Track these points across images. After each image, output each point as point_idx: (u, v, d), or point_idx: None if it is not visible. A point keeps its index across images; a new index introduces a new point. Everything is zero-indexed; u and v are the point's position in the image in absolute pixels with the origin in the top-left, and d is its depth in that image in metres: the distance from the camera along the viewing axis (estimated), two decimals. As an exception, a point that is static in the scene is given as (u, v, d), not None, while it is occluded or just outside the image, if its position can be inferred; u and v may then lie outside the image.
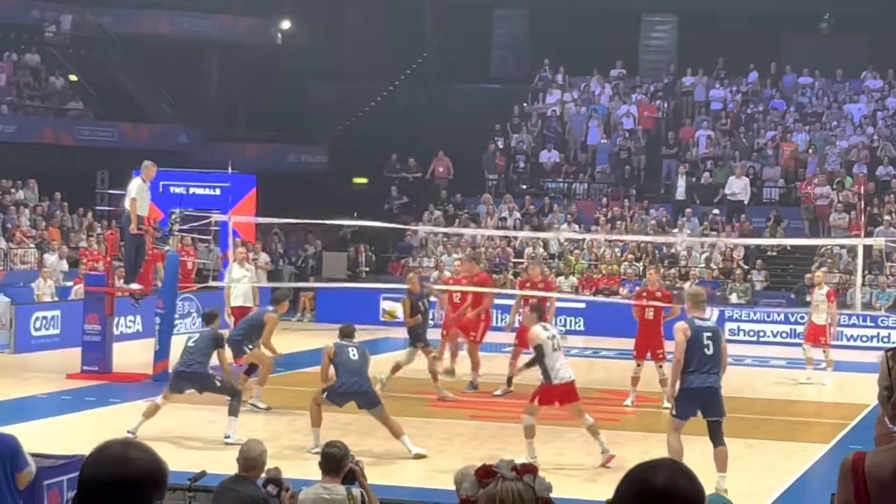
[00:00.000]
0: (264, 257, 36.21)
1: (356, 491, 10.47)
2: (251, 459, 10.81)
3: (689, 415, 15.49)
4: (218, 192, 37.71)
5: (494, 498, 4.46)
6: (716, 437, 15.48)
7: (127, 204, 24.15)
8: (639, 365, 22.71)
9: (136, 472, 3.77)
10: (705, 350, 15.27)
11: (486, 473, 5.15)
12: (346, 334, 17.85)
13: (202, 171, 37.83)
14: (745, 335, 33.63)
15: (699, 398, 15.34)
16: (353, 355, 17.41)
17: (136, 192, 23.81)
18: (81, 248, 35.26)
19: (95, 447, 3.87)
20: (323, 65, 47.60)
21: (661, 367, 22.12)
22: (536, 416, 17.08)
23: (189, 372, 18.27)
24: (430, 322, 24.16)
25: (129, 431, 17.08)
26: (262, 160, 43.25)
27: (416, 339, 22.59)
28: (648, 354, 22.60)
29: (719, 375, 15.46)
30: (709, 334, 15.46)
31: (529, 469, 4.87)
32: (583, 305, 33.80)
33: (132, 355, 25.31)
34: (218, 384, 18.27)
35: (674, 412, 15.56)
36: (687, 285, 35.21)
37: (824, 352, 26.34)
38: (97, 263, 30.41)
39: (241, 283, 25.80)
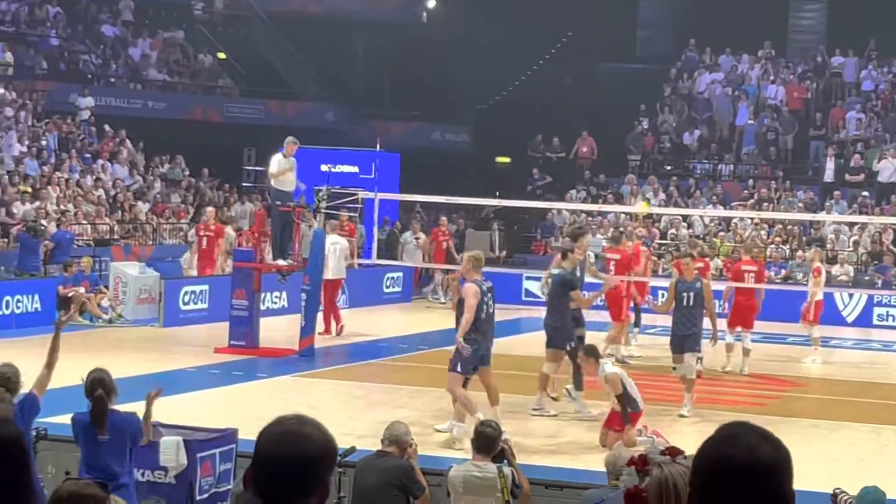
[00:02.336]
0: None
1: (507, 470, 10.50)
2: (395, 436, 10.91)
3: None
4: (357, 168, 37.94)
5: (667, 483, 4.42)
6: None
7: (272, 181, 24.40)
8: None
9: (312, 449, 3.78)
10: None
11: (643, 462, 5.11)
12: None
13: (351, 150, 38.05)
14: (894, 320, 32.95)
15: None
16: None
17: (277, 167, 24.02)
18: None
19: (269, 423, 3.88)
20: (468, 44, 47.60)
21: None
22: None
23: None
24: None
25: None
26: (406, 138, 43.43)
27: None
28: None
29: None
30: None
31: (678, 451, 4.84)
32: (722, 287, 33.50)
33: (278, 331, 25.57)
34: None
35: None
36: (835, 269, 34.78)
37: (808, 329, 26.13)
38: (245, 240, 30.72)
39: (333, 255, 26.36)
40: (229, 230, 31.37)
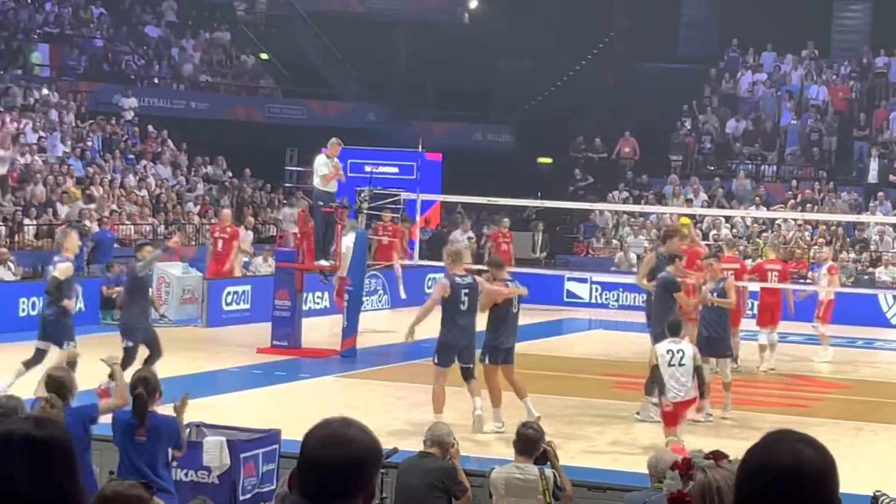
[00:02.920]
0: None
1: (549, 472, 10.49)
2: (437, 437, 10.91)
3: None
4: (397, 169, 37.95)
5: (710, 488, 4.42)
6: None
7: (315, 181, 24.43)
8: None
9: (357, 451, 3.79)
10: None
11: (687, 466, 5.11)
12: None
13: (393, 150, 38.07)
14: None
15: None
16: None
17: (324, 168, 24.07)
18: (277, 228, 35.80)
19: (315, 425, 3.89)
20: (509, 44, 47.57)
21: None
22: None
23: None
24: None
25: None
26: (448, 138, 43.43)
27: None
28: None
29: None
30: None
31: (722, 455, 4.83)
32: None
33: (321, 331, 25.62)
34: None
35: None
36: (879, 270, 34.60)
37: (814, 327, 25.79)
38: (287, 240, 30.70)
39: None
40: (244, 231, 31.57)
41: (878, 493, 10.15)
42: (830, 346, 25.67)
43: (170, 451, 11.06)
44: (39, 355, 17.69)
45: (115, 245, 30.86)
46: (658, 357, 15.87)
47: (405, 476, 10.86)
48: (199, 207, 35.59)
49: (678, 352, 15.83)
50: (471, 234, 35.83)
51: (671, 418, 15.73)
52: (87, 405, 10.86)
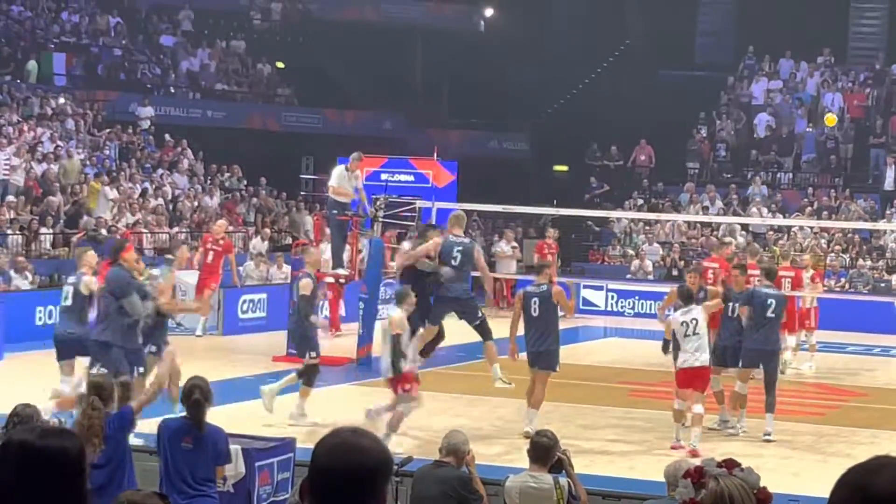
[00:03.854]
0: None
1: (563, 480, 10.47)
2: (452, 445, 10.89)
3: None
4: (412, 177, 37.98)
5: (723, 495, 4.43)
6: None
7: (329, 191, 24.46)
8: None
9: (368, 461, 3.80)
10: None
11: (699, 474, 5.10)
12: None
13: (409, 158, 38.08)
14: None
15: None
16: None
17: (337, 180, 24.05)
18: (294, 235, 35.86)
19: (326, 435, 3.91)
20: (525, 52, 47.60)
21: None
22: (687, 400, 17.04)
23: None
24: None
25: None
26: (464, 146, 43.47)
27: None
28: None
29: None
30: None
31: (734, 463, 4.84)
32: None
33: (337, 339, 25.63)
34: None
35: None
36: (895, 279, 34.52)
37: (807, 335, 25.47)
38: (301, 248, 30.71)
39: None
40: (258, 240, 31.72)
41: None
42: (815, 354, 25.48)
43: (217, 469, 11.05)
44: (311, 368, 18.20)
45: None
46: (674, 329, 16.96)
47: (419, 485, 10.85)
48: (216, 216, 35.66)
49: (692, 321, 16.77)
50: (514, 243, 35.86)
51: (679, 382, 16.91)
52: (124, 409, 10.94)
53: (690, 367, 16.75)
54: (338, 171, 24.34)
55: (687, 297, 17.20)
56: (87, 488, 3.86)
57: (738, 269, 19.62)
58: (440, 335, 18.45)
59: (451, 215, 19.02)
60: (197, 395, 10.78)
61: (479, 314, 18.17)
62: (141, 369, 16.00)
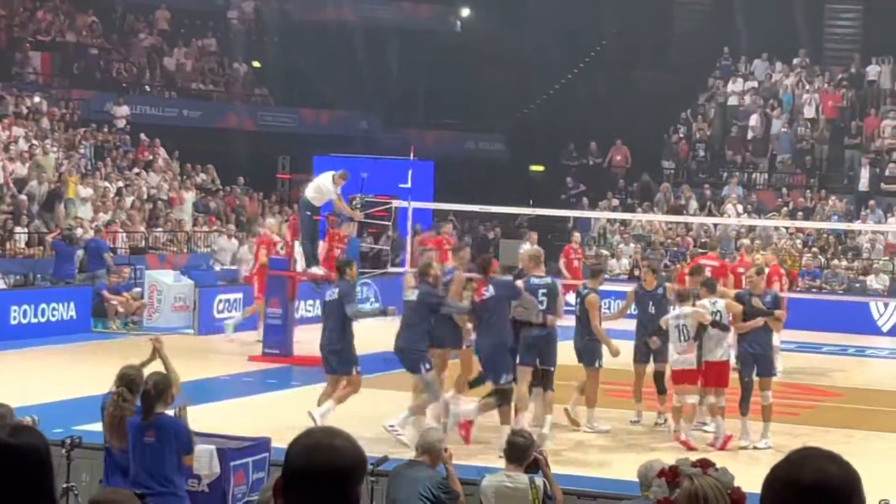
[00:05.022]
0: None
1: (539, 480, 10.47)
2: (427, 444, 10.87)
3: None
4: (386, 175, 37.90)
5: (698, 495, 4.43)
6: None
7: (308, 191, 24.43)
8: None
9: (342, 460, 3.79)
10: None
11: (674, 474, 5.11)
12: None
13: (385, 158, 38.05)
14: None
15: None
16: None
17: (314, 191, 24.03)
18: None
19: (299, 435, 3.90)
20: (502, 52, 47.60)
21: None
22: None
23: None
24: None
25: None
26: (440, 147, 43.47)
27: None
28: None
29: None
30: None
31: (709, 463, 4.85)
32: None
33: (313, 339, 25.56)
34: None
35: None
36: (870, 279, 34.64)
37: None
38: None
39: None
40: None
41: (883, 502, 10.20)
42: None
43: (184, 459, 11.08)
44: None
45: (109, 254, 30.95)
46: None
47: (393, 485, 10.83)
48: (191, 215, 35.60)
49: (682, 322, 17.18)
50: (537, 246, 35.71)
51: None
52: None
53: (678, 370, 17.10)
54: (325, 183, 24.10)
55: (683, 298, 17.37)
56: (54, 486, 3.87)
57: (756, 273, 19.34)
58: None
59: (527, 254, 18.59)
60: (149, 387, 10.86)
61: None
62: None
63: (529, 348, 16.80)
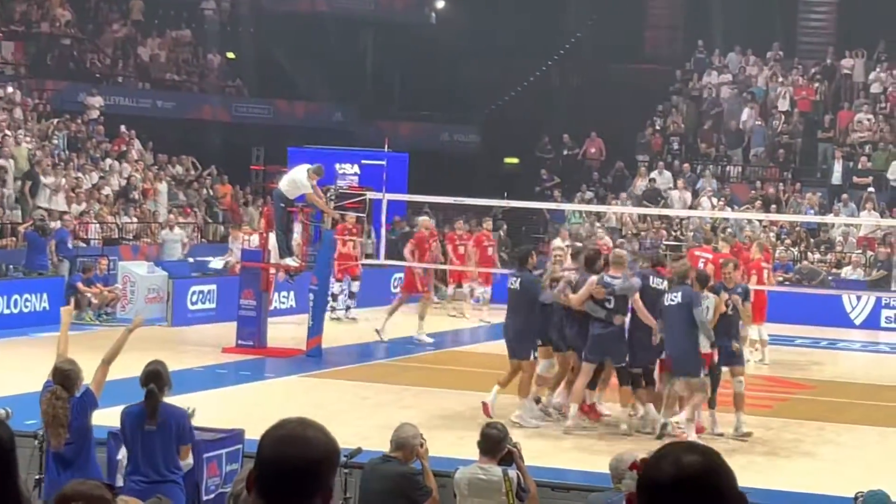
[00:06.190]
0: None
1: (512, 473, 10.47)
2: (401, 440, 10.84)
3: None
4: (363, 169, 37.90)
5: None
6: None
7: (282, 183, 24.42)
8: None
9: (314, 451, 3.79)
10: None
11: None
12: None
13: (360, 150, 38.04)
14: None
15: None
16: None
17: (295, 188, 24.06)
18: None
19: (272, 426, 3.89)
20: (476, 44, 47.61)
21: None
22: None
23: None
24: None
25: None
26: (414, 139, 43.45)
27: None
28: None
29: None
30: None
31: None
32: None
33: (286, 331, 25.58)
34: None
35: None
36: (844, 271, 34.76)
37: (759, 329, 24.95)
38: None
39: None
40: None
41: (858, 495, 10.22)
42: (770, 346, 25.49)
43: (181, 449, 11.16)
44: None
45: (81, 244, 30.88)
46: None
47: (366, 480, 10.81)
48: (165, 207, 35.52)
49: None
50: (569, 241, 35.68)
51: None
52: (85, 391, 10.96)
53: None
54: (300, 177, 24.14)
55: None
56: (19, 475, 3.86)
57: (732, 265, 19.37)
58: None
59: (614, 254, 18.54)
60: (153, 386, 10.87)
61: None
62: None
63: (595, 345, 17.21)
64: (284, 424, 3.87)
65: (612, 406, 18.20)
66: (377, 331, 25.99)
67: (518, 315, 17.71)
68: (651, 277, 17.65)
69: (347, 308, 29.68)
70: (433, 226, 30.47)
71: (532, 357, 17.68)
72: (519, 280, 17.77)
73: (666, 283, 17.54)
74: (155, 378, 11.01)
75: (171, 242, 32.65)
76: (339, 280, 29.16)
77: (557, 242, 34.45)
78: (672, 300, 16.99)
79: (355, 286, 29.93)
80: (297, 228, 25.30)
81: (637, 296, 17.31)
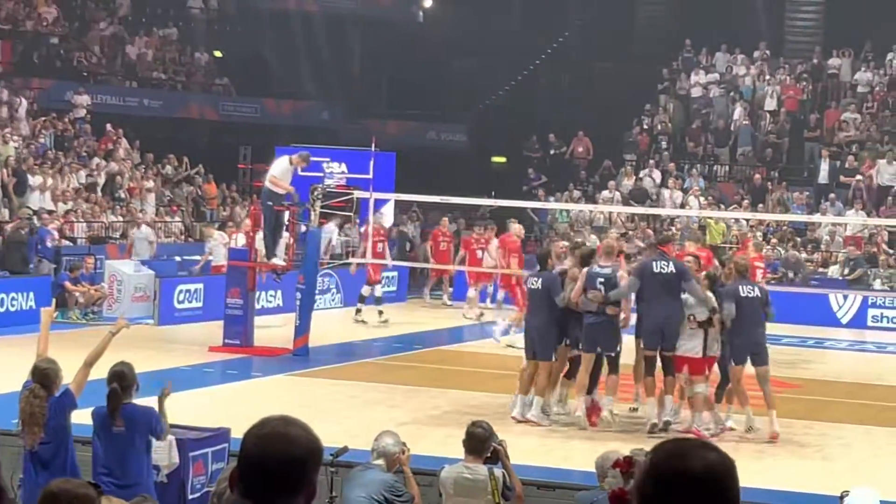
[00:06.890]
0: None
1: (498, 471, 10.46)
2: (382, 449, 10.83)
3: None
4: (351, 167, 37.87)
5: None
6: None
7: (267, 181, 24.38)
8: None
9: (297, 449, 3.79)
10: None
11: (628, 465, 5.11)
12: None
13: (347, 149, 37.99)
14: (889, 322, 32.83)
15: None
16: None
17: (280, 172, 24.02)
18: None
19: (254, 424, 3.89)
20: (464, 43, 47.58)
21: None
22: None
23: None
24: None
25: None
26: (402, 137, 43.41)
27: None
28: None
29: None
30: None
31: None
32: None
33: (273, 330, 25.56)
34: None
35: None
36: (831, 270, 34.81)
37: None
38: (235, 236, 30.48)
39: None
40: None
41: (844, 494, 10.23)
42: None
43: (151, 440, 11.13)
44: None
45: (67, 242, 30.84)
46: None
47: (348, 488, 10.79)
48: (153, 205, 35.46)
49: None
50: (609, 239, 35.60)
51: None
52: (64, 391, 10.92)
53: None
54: (282, 163, 24.25)
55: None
56: (1, 477, 3.86)
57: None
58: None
59: (604, 244, 19.00)
60: (115, 385, 10.84)
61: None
62: None
63: (588, 335, 17.42)
64: (267, 422, 3.86)
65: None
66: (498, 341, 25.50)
67: (540, 314, 17.76)
68: (655, 262, 17.70)
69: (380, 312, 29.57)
70: (522, 232, 30.96)
71: (553, 358, 17.70)
72: (540, 280, 17.84)
73: (672, 264, 17.57)
74: (119, 378, 10.93)
75: (140, 240, 32.34)
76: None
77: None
78: (749, 293, 17.64)
79: (378, 290, 30.00)
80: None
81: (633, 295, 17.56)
